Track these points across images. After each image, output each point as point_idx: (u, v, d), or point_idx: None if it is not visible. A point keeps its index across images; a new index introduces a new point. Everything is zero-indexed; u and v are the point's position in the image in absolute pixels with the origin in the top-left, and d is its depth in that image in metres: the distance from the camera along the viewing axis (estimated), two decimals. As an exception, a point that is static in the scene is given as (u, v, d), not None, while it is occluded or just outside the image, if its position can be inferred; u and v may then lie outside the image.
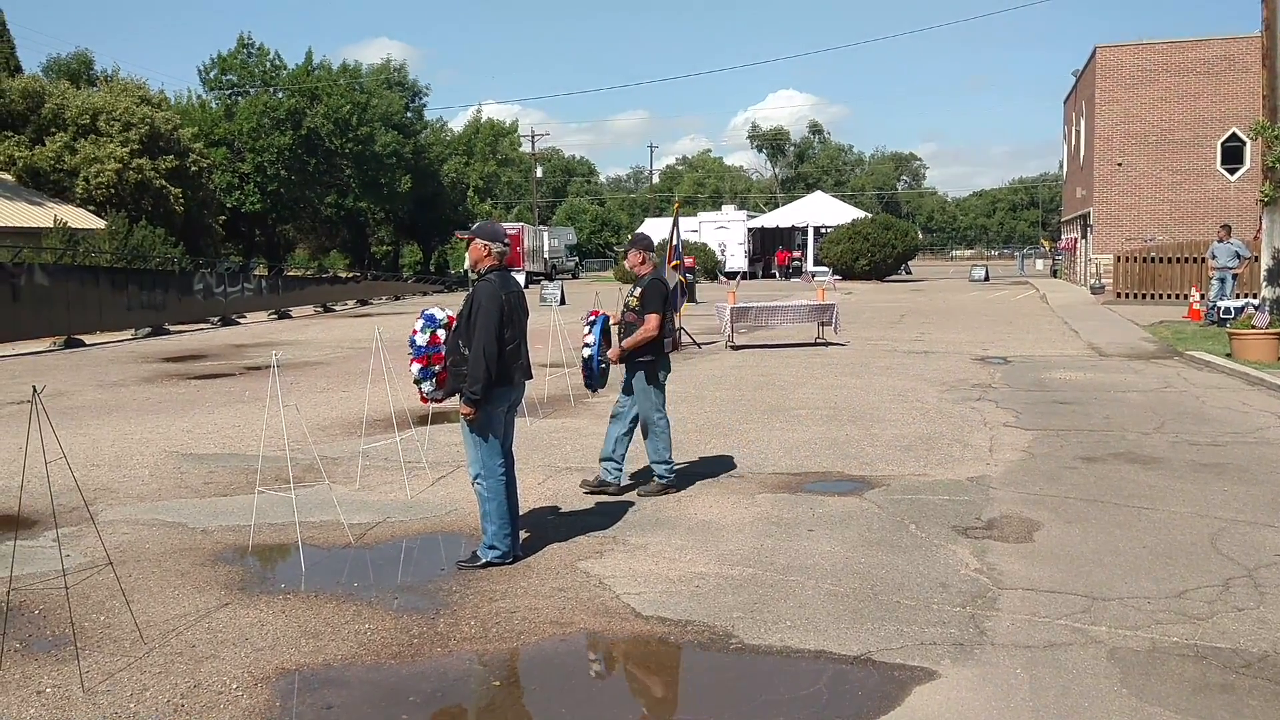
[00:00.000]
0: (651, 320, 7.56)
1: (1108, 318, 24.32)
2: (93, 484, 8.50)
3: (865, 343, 19.26)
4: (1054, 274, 52.41)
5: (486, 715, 4.31)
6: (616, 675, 4.74)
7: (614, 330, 7.79)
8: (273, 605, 5.55)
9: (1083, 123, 39.23)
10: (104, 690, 4.47)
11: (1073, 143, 43.36)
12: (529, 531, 6.75)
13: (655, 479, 7.88)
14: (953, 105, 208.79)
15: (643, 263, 7.85)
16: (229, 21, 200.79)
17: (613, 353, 7.56)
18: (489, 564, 6.08)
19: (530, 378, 6.31)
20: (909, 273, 58.45)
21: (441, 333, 6.16)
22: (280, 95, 48.28)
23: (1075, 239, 42.10)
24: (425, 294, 48.31)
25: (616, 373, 7.90)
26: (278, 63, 50.32)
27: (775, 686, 4.42)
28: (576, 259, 71.79)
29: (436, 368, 6.17)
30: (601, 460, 7.89)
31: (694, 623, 5.15)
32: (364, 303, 41.27)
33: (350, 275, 46.52)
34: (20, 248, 25.70)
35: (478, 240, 6.05)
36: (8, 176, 35.15)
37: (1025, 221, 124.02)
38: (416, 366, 6.18)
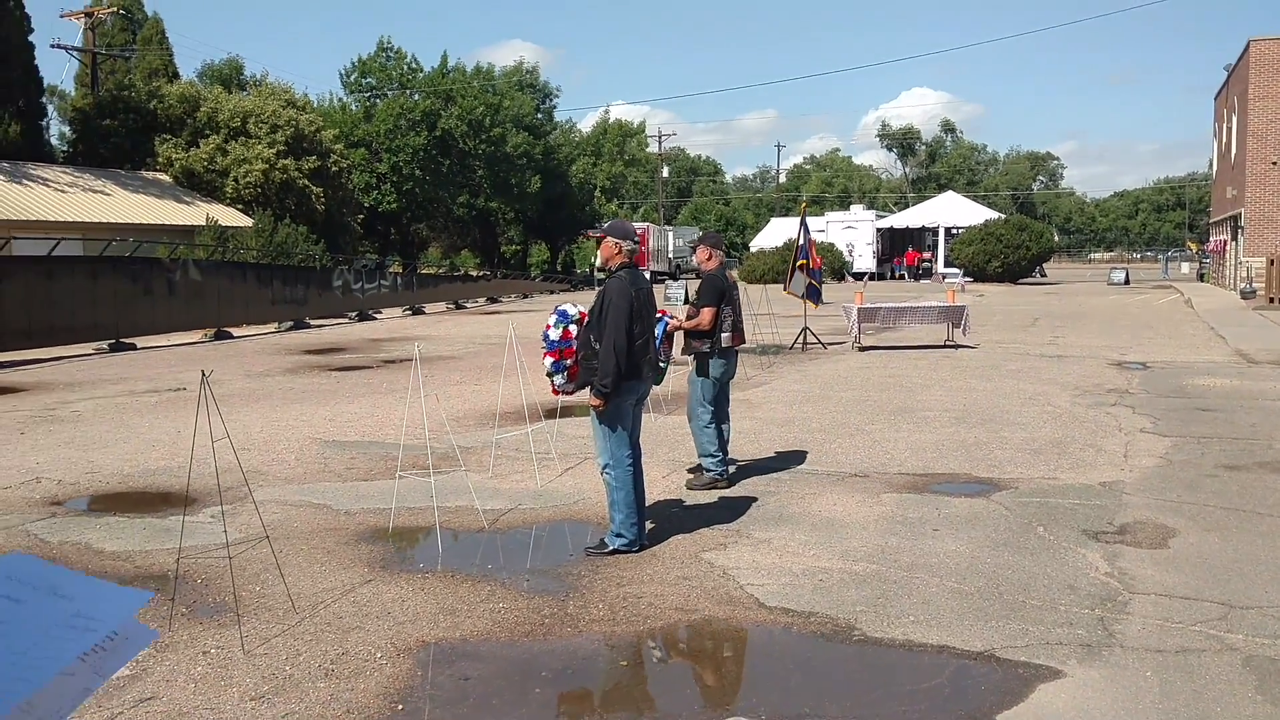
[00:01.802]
0: (705, 313, 7.81)
1: (1258, 323, 23.23)
2: (244, 466, 9.01)
3: (996, 346, 18.87)
4: (1200, 278, 50.17)
5: (615, 694, 4.48)
6: (740, 661, 4.85)
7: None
8: (412, 583, 5.85)
9: (1235, 120, 37.46)
10: (261, 653, 4.81)
11: (1223, 141, 41.45)
12: (653, 522, 6.90)
13: (704, 472, 8.05)
14: (1095, 102, 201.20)
15: (709, 258, 8.18)
16: (368, 26, 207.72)
17: (673, 323, 7.49)
18: (616, 551, 6.27)
19: (661, 371, 6.47)
20: (1044, 275, 56.73)
21: (574, 328, 6.37)
22: (416, 97, 49.79)
23: (1224, 241, 40.24)
24: (552, 292, 49.12)
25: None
26: (414, 65, 51.88)
27: (897, 678, 4.47)
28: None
29: (568, 361, 6.38)
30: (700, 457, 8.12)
31: (817, 614, 5.23)
32: (494, 300, 42.24)
33: (480, 274, 47.63)
34: (176, 244, 27.18)
35: (609, 238, 6.24)
36: (165, 177, 37.16)
37: (1170, 223, 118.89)
38: (549, 360, 6.40)
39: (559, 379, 6.44)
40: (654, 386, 7.31)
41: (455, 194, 51.93)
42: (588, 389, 6.21)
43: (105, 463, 9.38)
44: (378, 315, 32.19)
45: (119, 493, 8.31)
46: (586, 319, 6.27)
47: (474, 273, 48.99)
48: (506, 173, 52.11)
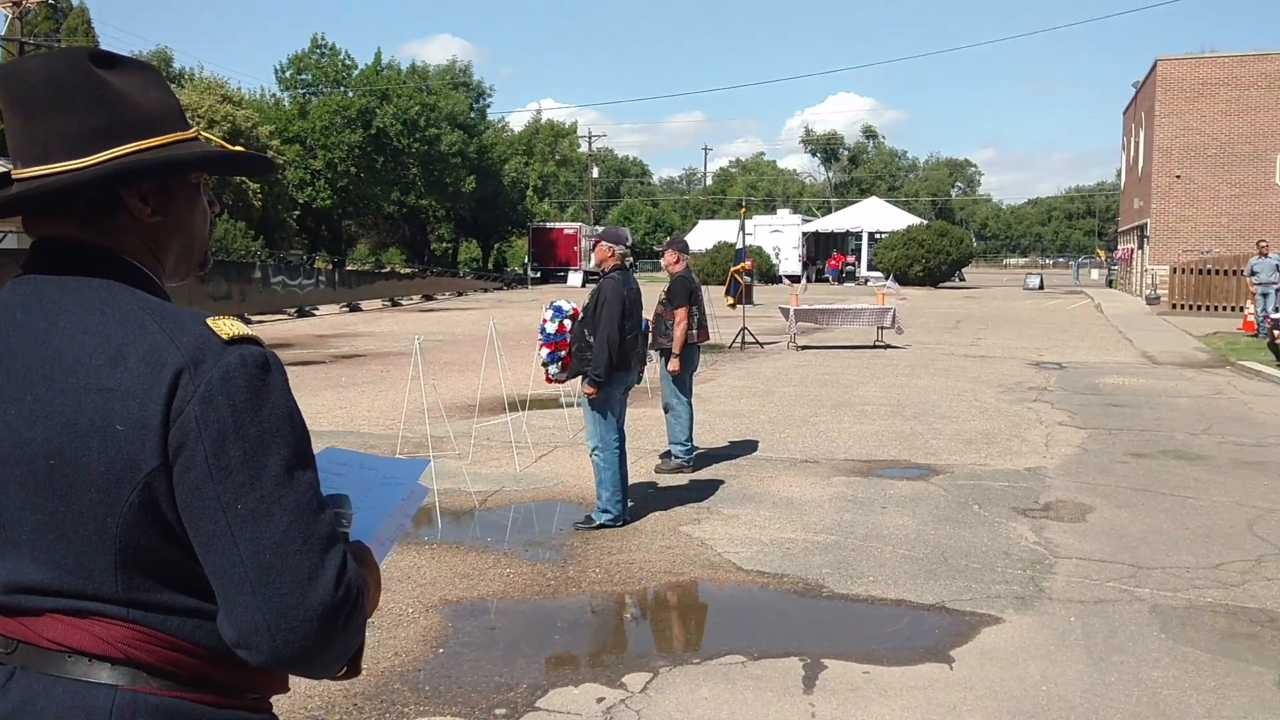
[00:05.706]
0: (679, 313, 8.57)
1: (1162, 328, 24.75)
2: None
3: (923, 346, 19.94)
4: (1109, 284, 52.46)
5: (624, 640, 5.19)
6: (729, 612, 5.60)
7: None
8: (423, 553, 6.47)
9: (1142, 134, 39.43)
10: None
11: (1131, 154, 43.52)
12: (632, 502, 7.60)
13: (672, 458, 8.80)
14: (1012, 111, 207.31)
15: (677, 261, 8.96)
16: (299, 16, 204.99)
17: (672, 366, 8.50)
18: (602, 525, 6.96)
19: (644, 364, 7.19)
20: (962, 279, 58.67)
21: (568, 322, 7.06)
22: (351, 95, 49.73)
23: (1132, 249, 42.27)
24: (486, 290, 49.47)
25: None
26: (349, 62, 51.71)
27: (864, 625, 5.26)
28: (631, 260, 72.60)
29: (562, 353, 7.07)
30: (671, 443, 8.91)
31: (789, 575, 6.00)
32: (428, 298, 42.49)
33: (413, 271, 47.86)
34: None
35: (604, 243, 6.96)
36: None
37: (1080, 230, 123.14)
38: (545, 351, 7.09)
39: (553, 369, 7.13)
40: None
41: (388, 191, 51.98)
42: (579, 378, 6.90)
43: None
44: (316, 312, 32.35)
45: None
46: (580, 314, 6.96)
47: (403, 270, 49.16)
48: (441, 171, 52.30)
